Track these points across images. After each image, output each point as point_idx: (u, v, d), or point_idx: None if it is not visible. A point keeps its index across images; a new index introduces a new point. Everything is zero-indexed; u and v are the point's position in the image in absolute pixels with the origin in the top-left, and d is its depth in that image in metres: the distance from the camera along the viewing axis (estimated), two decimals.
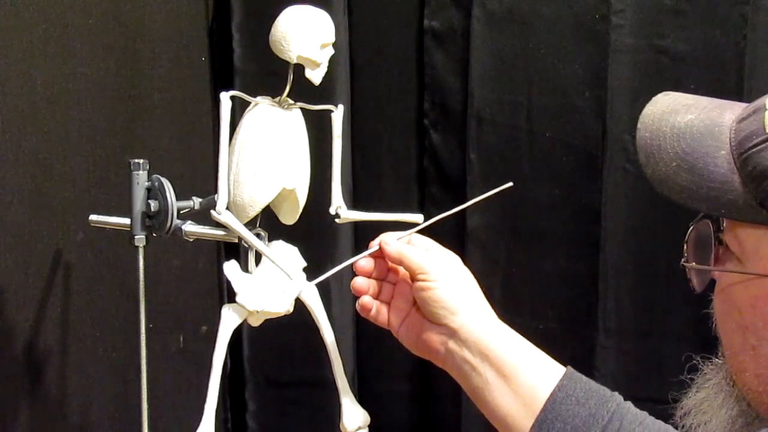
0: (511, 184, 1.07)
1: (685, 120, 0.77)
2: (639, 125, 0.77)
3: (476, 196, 1.79)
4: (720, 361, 0.82)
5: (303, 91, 1.24)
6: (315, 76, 1.21)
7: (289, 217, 1.30)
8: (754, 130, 0.72)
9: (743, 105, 0.79)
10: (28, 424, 1.35)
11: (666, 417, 1.87)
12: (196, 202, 1.25)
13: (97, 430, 1.50)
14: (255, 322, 1.26)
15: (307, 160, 1.26)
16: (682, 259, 0.81)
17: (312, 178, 1.28)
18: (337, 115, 1.29)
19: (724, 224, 0.78)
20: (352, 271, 2.01)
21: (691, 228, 0.81)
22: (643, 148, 0.76)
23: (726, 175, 0.71)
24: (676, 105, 0.80)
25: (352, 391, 1.32)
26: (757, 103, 0.75)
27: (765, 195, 0.69)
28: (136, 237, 1.22)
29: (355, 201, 1.81)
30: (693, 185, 0.72)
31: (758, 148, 0.70)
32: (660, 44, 1.69)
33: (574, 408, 0.79)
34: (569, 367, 0.86)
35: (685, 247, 0.81)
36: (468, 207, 1.79)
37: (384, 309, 0.97)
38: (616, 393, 0.82)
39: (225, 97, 1.17)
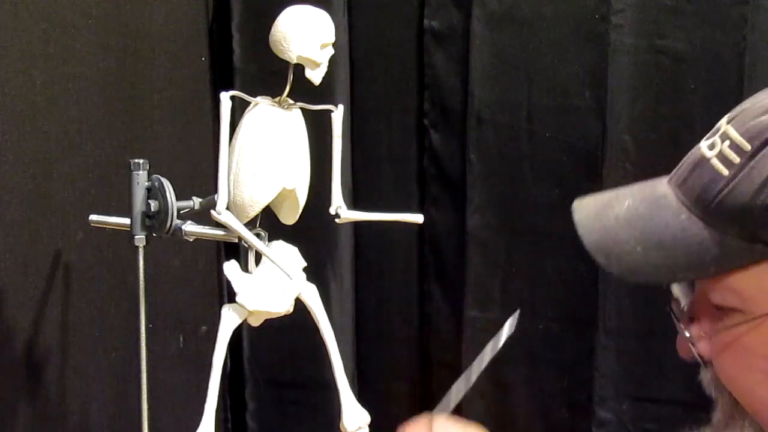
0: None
1: (624, 207, 0.74)
2: (581, 232, 0.73)
3: (476, 196, 1.81)
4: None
5: (303, 91, 1.24)
6: (315, 76, 1.21)
7: (289, 217, 1.30)
8: (709, 180, 0.69)
9: (665, 176, 0.78)
10: (28, 424, 1.35)
11: (666, 417, 1.88)
12: (196, 202, 1.25)
13: (97, 430, 1.50)
14: (255, 322, 1.26)
15: (307, 160, 1.26)
16: (687, 336, 0.78)
17: (312, 178, 1.28)
18: (337, 115, 1.29)
19: (695, 291, 0.76)
20: (352, 272, 2.02)
21: (670, 312, 0.78)
22: (599, 250, 0.72)
23: (699, 235, 0.69)
24: (602, 202, 0.77)
25: (352, 391, 1.32)
26: (691, 160, 0.74)
27: (754, 228, 0.67)
28: (136, 237, 1.22)
29: (355, 201, 1.81)
30: (669, 260, 0.69)
31: (725, 191, 0.68)
32: (660, 44, 1.69)
33: None
34: None
35: (681, 326, 0.78)
36: (468, 207, 1.80)
37: None
38: None
39: (225, 97, 1.17)
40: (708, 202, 0.69)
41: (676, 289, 0.77)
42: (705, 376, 0.77)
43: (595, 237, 0.73)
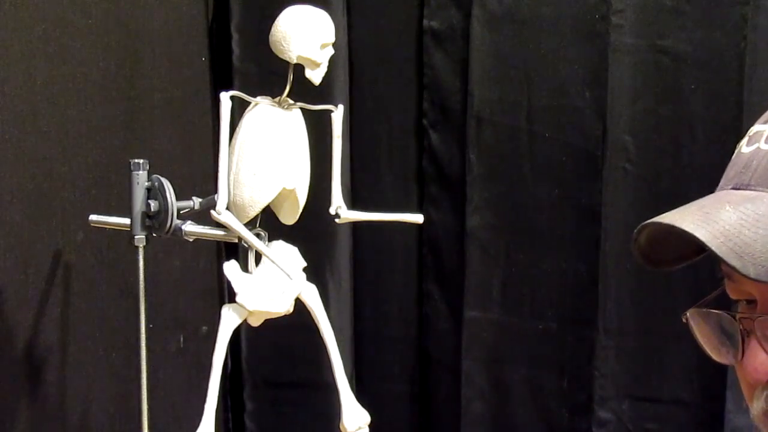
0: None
1: (729, 211, 0.73)
2: (706, 239, 0.71)
3: (476, 196, 1.81)
4: None
5: (303, 91, 1.24)
6: (315, 76, 1.21)
7: (289, 217, 1.30)
8: None
9: (727, 189, 0.77)
10: (28, 424, 1.35)
11: (666, 417, 1.88)
12: (196, 202, 1.25)
13: (97, 430, 1.50)
14: (255, 322, 1.26)
15: (307, 160, 1.26)
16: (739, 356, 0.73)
17: (312, 178, 1.28)
18: (337, 115, 1.29)
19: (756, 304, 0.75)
20: (351, 271, 2.02)
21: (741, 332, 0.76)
22: (731, 253, 0.68)
23: None
24: (694, 213, 0.76)
25: (352, 391, 1.32)
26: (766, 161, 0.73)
27: None
28: (136, 237, 1.22)
29: (354, 201, 1.81)
30: None
31: None
32: (660, 44, 1.69)
33: None
34: None
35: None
36: (467, 207, 1.80)
37: None
38: None
39: (225, 97, 1.17)
40: None
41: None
42: None
43: (720, 240, 0.71)
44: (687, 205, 0.74)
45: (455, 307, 1.84)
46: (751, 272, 0.68)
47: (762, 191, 0.72)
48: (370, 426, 1.31)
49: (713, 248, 0.68)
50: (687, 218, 0.72)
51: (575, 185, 1.75)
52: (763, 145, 0.74)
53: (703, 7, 1.66)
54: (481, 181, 1.79)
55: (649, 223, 0.74)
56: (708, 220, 0.71)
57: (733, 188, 0.74)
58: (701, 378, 1.72)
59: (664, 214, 0.73)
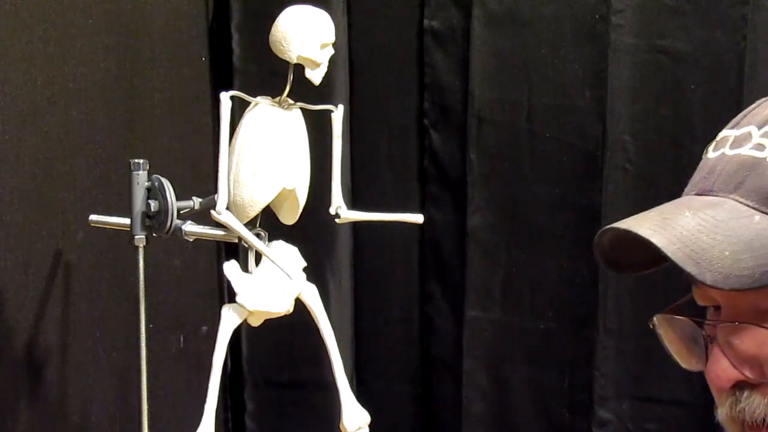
0: None
1: (689, 217, 0.73)
2: (661, 244, 0.68)
3: (476, 196, 1.81)
4: None
5: (303, 91, 1.24)
6: (315, 76, 1.21)
7: (289, 217, 1.30)
8: None
9: (691, 195, 0.76)
10: (28, 424, 1.35)
11: (666, 417, 1.88)
12: (196, 202, 1.25)
13: (97, 430, 1.50)
14: (255, 322, 1.26)
15: (307, 160, 1.26)
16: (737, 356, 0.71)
17: (312, 178, 1.28)
18: (337, 115, 1.29)
19: (721, 309, 0.72)
20: (351, 271, 2.02)
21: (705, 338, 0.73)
22: (687, 259, 0.68)
23: None
24: (653, 218, 0.75)
25: (352, 392, 1.32)
26: (736, 167, 0.73)
27: None
28: (136, 237, 1.22)
29: (355, 201, 1.81)
30: (761, 260, 0.67)
31: None
32: (660, 44, 1.69)
33: None
34: None
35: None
36: (468, 207, 1.80)
37: None
38: None
39: (225, 97, 1.17)
40: None
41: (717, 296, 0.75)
42: (750, 401, 0.74)
43: (677, 246, 0.70)
44: (648, 211, 0.74)
45: (456, 306, 1.84)
46: (708, 278, 0.67)
47: (724, 197, 0.72)
48: (370, 426, 1.31)
49: (669, 254, 0.68)
50: (645, 224, 0.72)
51: (575, 185, 1.75)
52: (728, 151, 0.74)
53: (703, 7, 1.65)
54: (482, 181, 1.79)
55: (608, 228, 0.74)
56: (666, 225, 0.70)
57: (697, 194, 0.74)
58: (701, 378, 1.72)
59: (624, 219, 0.73)
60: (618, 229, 0.72)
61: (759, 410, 0.71)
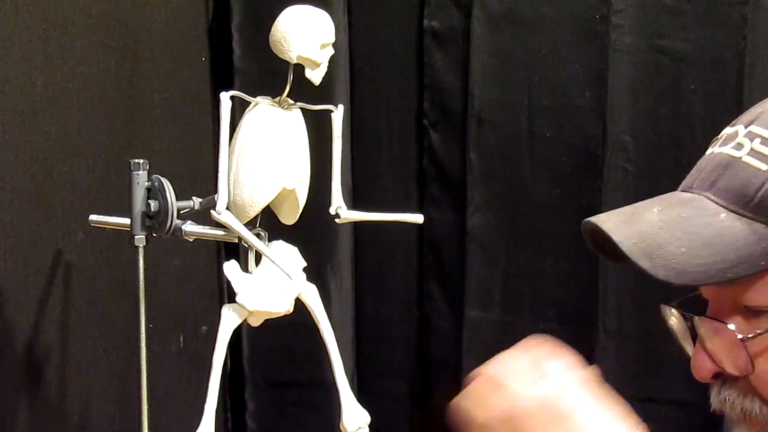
0: None
1: (655, 212, 0.74)
2: (618, 239, 0.70)
3: (476, 196, 1.81)
4: None
5: (303, 91, 1.24)
6: (315, 76, 1.21)
7: (289, 217, 1.30)
8: (747, 177, 0.69)
9: (676, 191, 0.77)
10: (28, 424, 1.35)
11: (666, 417, 1.88)
12: (196, 202, 1.25)
13: (97, 430, 1.50)
14: (255, 322, 1.26)
15: (307, 160, 1.26)
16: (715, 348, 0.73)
17: (312, 178, 1.28)
18: (337, 115, 1.29)
19: (709, 303, 0.74)
20: (351, 271, 2.02)
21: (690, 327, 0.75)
22: (641, 254, 0.69)
23: (745, 230, 0.68)
24: (624, 213, 0.76)
25: (352, 391, 1.32)
26: (713, 165, 0.73)
27: None
28: (136, 237, 1.22)
29: (355, 201, 1.81)
30: (717, 257, 0.68)
31: (767, 185, 0.68)
32: (660, 44, 1.69)
33: None
34: None
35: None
36: (468, 207, 1.80)
37: None
38: None
39: (225, 97, 1.17)
40: (749, 198, 0.69)
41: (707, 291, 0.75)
42: (727, 394, 0.75)
43: (633, 241, 0.71)
44: (627, 206, 0.76)
45: (456, 306, 1.84)
46: (660, 273, 0.69)
47: (698, 194, 0.73)
48: (371, 426, 1.32)
49: (624, 249, 0.70)
50: (613, 218, 0.73)
51: (575, 185, 1.74)
52: (716, 149, 0.75)
53: (703, 7, 1.65)
54: (482, 181, 1.78)
55: (586, 220, 0.76)
56: (630, 221, 0.72)
57: (682, 190, 0.76)
58: None
59: (600, 214, 0.75)
60: (591, 222, 0.75)
61: (736, 402, 0.73)
